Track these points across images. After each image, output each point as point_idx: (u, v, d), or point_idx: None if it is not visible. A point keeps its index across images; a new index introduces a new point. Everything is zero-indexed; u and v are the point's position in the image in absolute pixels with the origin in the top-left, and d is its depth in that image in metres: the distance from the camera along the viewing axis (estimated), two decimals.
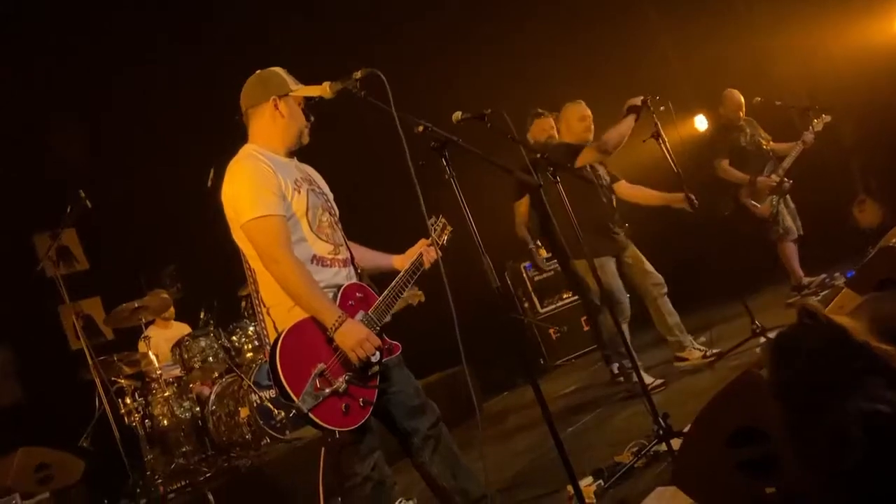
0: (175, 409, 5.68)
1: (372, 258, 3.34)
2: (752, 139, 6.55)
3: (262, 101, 2.99)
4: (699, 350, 5.20)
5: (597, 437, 4.49)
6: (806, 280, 6.40)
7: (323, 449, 3.07)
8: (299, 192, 2.90)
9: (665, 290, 5.31)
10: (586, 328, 8.00)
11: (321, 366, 2.71)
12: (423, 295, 4.90)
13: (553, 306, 8.09)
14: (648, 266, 5.33)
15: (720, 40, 7.38)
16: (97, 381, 5.49)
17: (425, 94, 5.59)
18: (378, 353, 2.83)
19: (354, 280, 3.02)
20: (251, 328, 6.05)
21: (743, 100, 6.51)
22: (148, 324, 6.17)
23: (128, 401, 5.70)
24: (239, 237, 2.91)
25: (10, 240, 6.96)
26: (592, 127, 5.31)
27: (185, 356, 5.81)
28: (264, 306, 2.89)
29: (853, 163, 7.47)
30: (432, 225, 3.34)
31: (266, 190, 2.79)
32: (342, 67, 3.06)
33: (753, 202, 6.39)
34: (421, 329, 4.35)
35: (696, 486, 2.62)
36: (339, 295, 2.88)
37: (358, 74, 2.98)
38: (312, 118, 3.06)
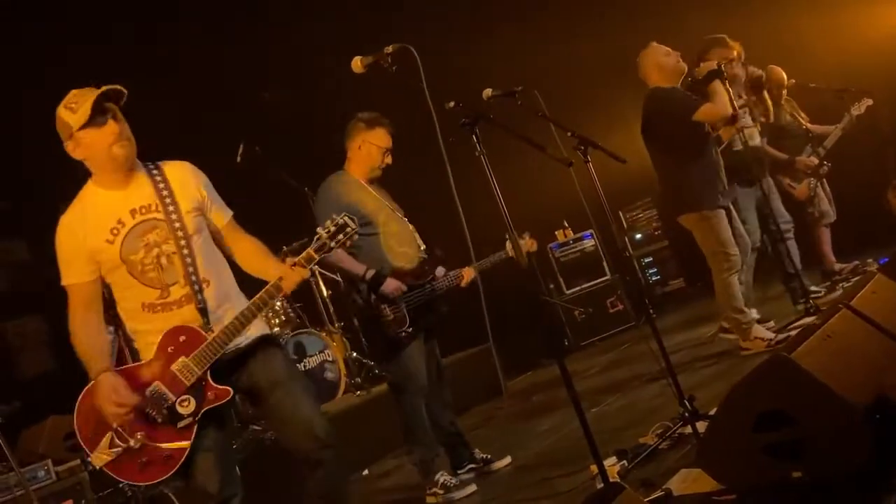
0: None
1: (255, 262, 3.04)
2: (793, 119, 6.43)
3: (68, 148, 2.78)
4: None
5: (621, 418, 4.48)
6: (837, 266, 6.31)
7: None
8: (112, 242, 2.74)
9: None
10: (611, 310, 7.98)
11: (115, 424, 2.68)
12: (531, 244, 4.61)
13: (579, 287, 8.06)
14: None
15: (753, 20, 7.25)
16: (126, 350, 5.55)
17: (456, 71, 5.56)
18: (192, 401, 2.68)
19: (193, 321, 2.77)
20: (278, 302, 6.09)
21: (786, 77, 6.36)
22: None
23: None
24: None
25: (43, 212, 7.04)
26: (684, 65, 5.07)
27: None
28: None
29: (888, 148, 7.33)
30: (327, 228, 2.84)
31: (69, 255, 2.77)
32: (373, 41, 3.06)
33: (791, 183, 6.28)
34: (449, 308, 4.34)
35: (722, 468, 2.61)
36: (158, 342, 2.75)
37: (389, 49, 2.98)
38: (109, 118, 2.70)
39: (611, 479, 3.01)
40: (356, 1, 7.84)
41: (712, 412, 3.20)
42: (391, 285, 4.02)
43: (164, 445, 2.67)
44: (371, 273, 4.00)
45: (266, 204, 6.34)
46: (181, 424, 2.68)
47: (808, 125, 6.43)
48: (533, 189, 6.89)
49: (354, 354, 6.57)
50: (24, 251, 7.22)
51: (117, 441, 2.65)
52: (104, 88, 2.69)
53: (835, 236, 6.44)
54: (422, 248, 4.32)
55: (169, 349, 2.74)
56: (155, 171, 2.90)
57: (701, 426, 3.36)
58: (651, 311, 4.00)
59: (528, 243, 4.51)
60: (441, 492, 4.07)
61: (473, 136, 3.09)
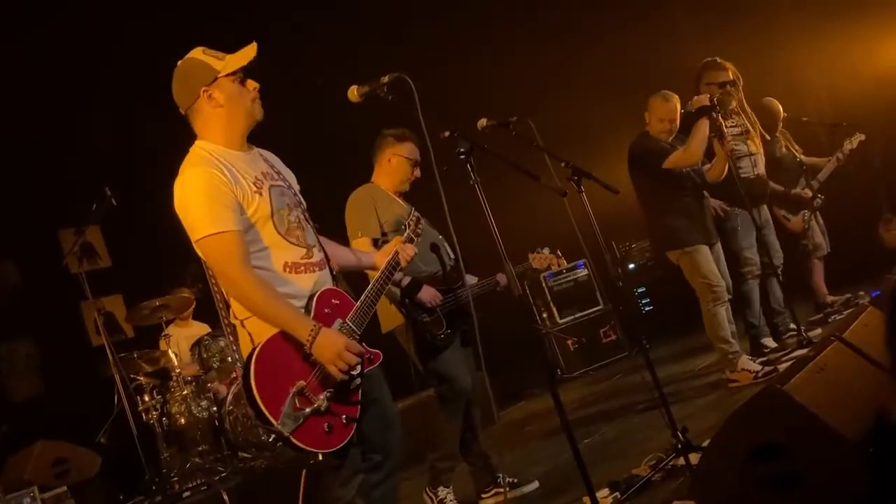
0: (192, 407, 5.70)
1: (347, 256, 3.10)
2: (788, 151, 6.47)
3: (194, 98, 2.66)
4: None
5: (614, 448, 4.46)
6: (830, 298, 6.32)
7: (304, 472, 2.93)
8: (260, 193, 2.60)
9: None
10: (604, 340, 7.97)
11: (300, 383, 2.47)
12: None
13: (572, 317, 8.04)
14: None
15: (748, 54, 7.34)
16: (116, 377, 5.53)
17: (451, 100, 5.60)
18: (359, 364, 2.61)
19: (330, 285, 2.74)
20: None
21: (781, 110, 6.42)
22: (168, 322, 6.20)
23: (146, 398, 5.74)
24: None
25: (35, 235, 7.04)
26: (677, 125, 5.21)
27: (205, 355, 5.83)
28: (237, 319, 2.64)
29: (880, 182, 7.39)
30: (405, 222, 3.24)
31: (219, 203, 2.51)
32: (369, 71, 3.08)
33: (785, 214, 6.31)
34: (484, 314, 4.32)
35: (715, 500, 2.59)
36: (314, 304, 2.62)
37: (385, 79, 2.99)
38: (257, 85, 2.71)
39: None
40: (353, 30, 7.91)
41: (705, 444, 3.19)
42: (428, 293, 3.99)
43: (343, 407, 2.56)
44: (407, 280, 3.98)
45: None
46: (353, 385, 2.61)
47: (803, 158, 6.48)
48: (527, 218, 6.88)
49: None
50: (13, 274, 7.19)
51: (300, 404, 2.45)
52: (255, 47, 2.66)
53: (828, 269, 6.46)
54: (451, 255, 4.27)
55: (325, 311, 2.64)
56: (261, 151, 2.85)
57: (694, 458, 3.35)
58: (644, 341, 4.00)
59: (548, 258, 4.41)
60: (436, 501, 4.06)
61: (468, 165, 3.10)
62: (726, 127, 5.33)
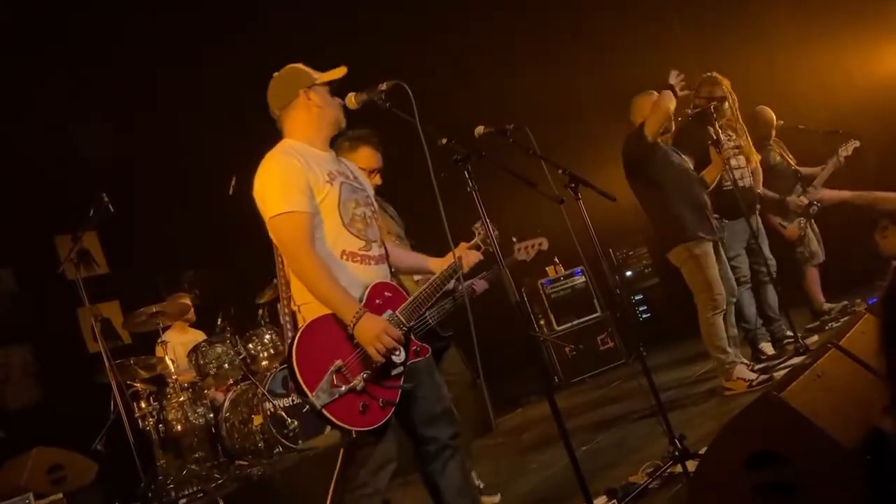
0: (189, 414, 5.69)
1: (408, 259, 3.33)
2: (782, 159, 6.49)
3: (293, 98, 2.95)
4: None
5: (611, 456, 4.45)
6: (827, 306, 6.33)
7: (342, 451, 2.99)
8: (332, 184, 2.84)
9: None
10: (602, 347, 7.97)
11: (338, 362, 2.64)
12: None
13: (569, 324, 8.05)
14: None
15: (744, 62, 7.37)
16: (113, 384, 5.52)
17: (449, 108, 5.60)
18: (402, 351, 2.77)
19: (386, 278, 2.94)
20: (267, 336, 6.04)
21: (775, 118, 6.44)
22: (165, 328, 6.19)
23: (142, 405, 5.73)
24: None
25: (31, 241, 7.04)
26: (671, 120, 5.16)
27: (201, 362, 5.82)
28: (296, 305, 2.83)
29: (876, 188, 7.38)
30: (476, 229, 3.33)
31: (292, 185, 2.75)
32: (367, 79, 3.09)
33: (781, 222, 6.32)
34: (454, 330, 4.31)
35: None
36: (367, 292, 2.80)
37: (383, 86, 3.00)
38: (340, 100, 3.03)
39: None
40: (352, 36, 7.92)
41: (702, 451, 3.19)
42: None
43: (382, 390, 2.71)
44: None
45: (257, 237, 6.34)
46: (394, 372, 2.76)
47: (797, 166, 6.50)
48: (524, 225, 6.87)
49: None
50: (9, 280, 7.19)
51: (337, 381, 2.62)
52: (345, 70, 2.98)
53: (824, 276, 6.47)
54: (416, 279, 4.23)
55: (376, 301, 2.81)
56: (342, 159, 3.12)
57: (691, 465, 3.35)
58: (642, 348, 4.00)
59: (534, 243, 4.34)
60: None
61: (465, 173, 3.11)
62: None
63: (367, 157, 4.03)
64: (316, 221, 2.78)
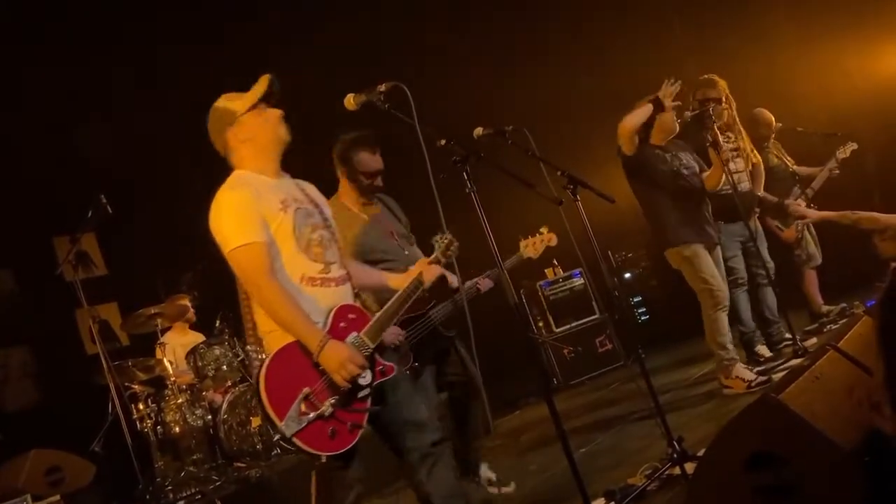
0: (187, 416, 5.69)
1: (367, 278, 3.26)
2: (780, 161, 6.49)
3: (225, 139, 2.95)
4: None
5: (610, 458, 4.45)
6: (825, 308, 6.33)
7: (313, 473, 3.03)
8: (285, 211, 2.83)
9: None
10: (600, 349, 7.97)
11: (306, 389, 2.66)
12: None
13: (568, 326, 8.04)
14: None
15: (743, 64, 7.37)
16: (111, 385, 5.51)
17: (448, 109, 5.60)
18: (368, 374, 2.78)
19: (349, 300, 2.93)
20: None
21: (773, 120, 6.44)
22: (164, 330, 6.19)
23: (140, 406, 5.72)
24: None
25: (30, 243, 7.03)
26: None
27: (200, 364, 5.81)
28: (263, 333, 2.86)
29: (874, 191, 7.39)
30: (436, 241, 3.23)
31: (246, 217, 2.76)
32: (366, 80, 3.09)
33: (779, 225, 6.32)
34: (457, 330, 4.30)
35: None
36: (331, 316, 2.81)
37: (382, 87, 3.01)
38: (278, 111, 2.95)
39: None
40: (352, 37, 7.92)
41: (701, 453, 3.19)
42: (389, 337, 3.91)
43: (349, 414, 2.73)
44: None
45: None
46: (361, 395, 2.78)
47: (795, 168, 6.50)
48: (522, 226, 6.88)
49: None
50: (9, 281, 7.18)
51: (305, 409, 2.64)
52: (270, 76, 2.92)
53: (822, 279, 6.46)
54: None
55: (341, 324, 2.82)
56: (297, 182, 3.06)
57: (689, 467, 3.35)
58: (640, 350, 4.00)
59: (542, 239, 4.32)
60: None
61: (464, 174, 3.11)
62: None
63: (364, 161, 3.98)
64: (273, 251, 2.79)
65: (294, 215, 2.85)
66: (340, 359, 2.67)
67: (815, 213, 5.72)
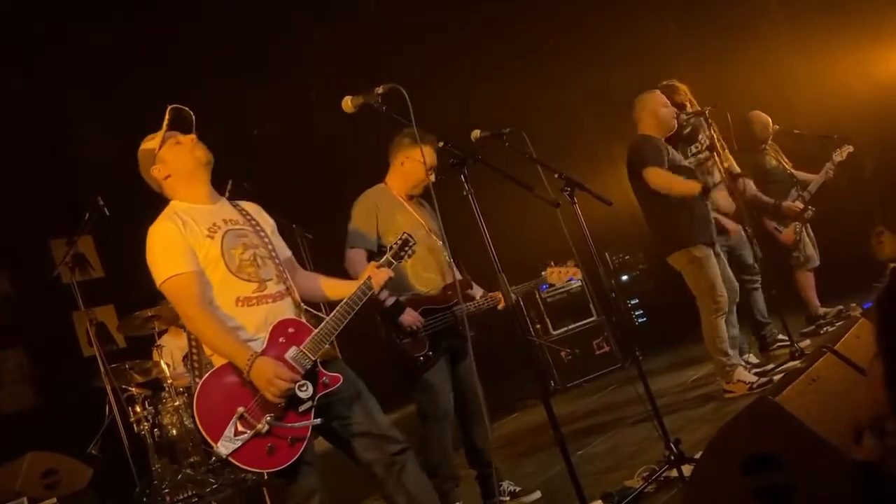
0: (184, 418, 5.68)
1: (302, 285, 3.15)
2: (778, 163, 6.50)
3: (153, 178, 3.04)
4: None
5: (607, 460, 4.45)
6: (822, 310, 6.34)
7: (264, 490, 3.05)
8: (212, 237, 2.88)
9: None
10: (598, 351, 7.97)
11: (241, 409, 2.68)
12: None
13: (565, 328, 8.04)
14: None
15: (739, 67, 7.39)
16: (108, 388, 5.51)
17: (446, 111, 5.61)
18: (310, 387, 2.77)
19: (289, 314, 2.92)
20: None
21: (770, 122, 6.45)
22: (161, 332, 6.18)
23: (137, 409, 5.71)
24: None
25: (26, 245, 7.02)
26: (674, 109, 5.19)
27: (197, 366, 5.79)
28: (205, 355, 2.91)
29: (871, 194, 7.40)
30: (391, 245, 3.20)
31: (172, 249, 2.82)
32: (363, 82, 3.09)
33: (777, 227, 6.33)
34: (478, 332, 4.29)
35: None
36: (268, 333, 2.82)
37: (380, 90, 3.01)
38: (192, 134, 3.03)
39: None
40: (348, 40, 7.93)
41: (698, 455, 3.19)
42: (409, 317, 3.89)
43: (289, 427, 2.72)
44: (391, 301, 3.88)
45: None
46: (303, 408, 2.77)
47: (793, 171, 6.51)
48: (520, 229, 6.90)
49: None
50: (5, 283, 7.17)
51: (242, 428, 2.66)
52: (174, 106, 2.98)
53: (819, 281, 6.47)
54: (448, 278, 4.13)
55: (280, 340, 2.83)
56: (234, 203, 3.12)
57: (687, 469, 3.35)
58: (637, 353, 4.00)
59: (567, 271, 4.35)
60: None
61: (462, 176, 3.11)
62: (690, 154, 5.42)
63: (427, 154, 4.03)
64: (204, 279, 2.84)
65: (222, 239, 2.90)
66: (267, 375, 2.68)
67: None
